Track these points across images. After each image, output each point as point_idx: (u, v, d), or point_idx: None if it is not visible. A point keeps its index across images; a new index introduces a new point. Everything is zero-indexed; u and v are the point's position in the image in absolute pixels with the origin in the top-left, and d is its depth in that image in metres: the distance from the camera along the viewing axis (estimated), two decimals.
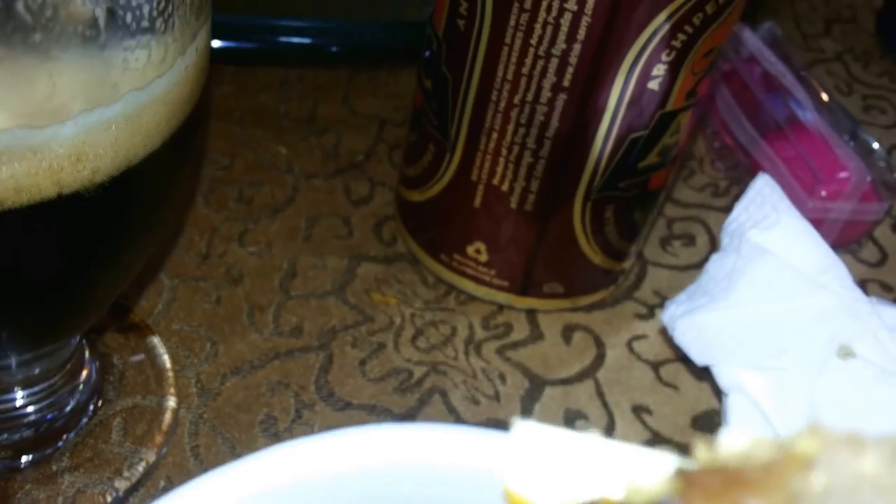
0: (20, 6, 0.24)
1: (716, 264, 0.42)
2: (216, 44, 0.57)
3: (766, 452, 0.14)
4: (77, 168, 0.28)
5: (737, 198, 0.55)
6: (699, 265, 0.51)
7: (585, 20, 0.36)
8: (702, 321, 0.39)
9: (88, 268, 0.33)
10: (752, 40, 0.57)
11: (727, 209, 0.54)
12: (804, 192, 0.49)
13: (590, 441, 0.21)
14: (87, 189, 0.28)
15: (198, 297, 0.47)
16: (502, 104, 0.40)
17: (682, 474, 0.14)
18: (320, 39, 0.60)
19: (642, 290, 0.50)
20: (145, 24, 0.27)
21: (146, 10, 0.27)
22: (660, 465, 0.16)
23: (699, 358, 0.39)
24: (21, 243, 0.30)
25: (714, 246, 0.52)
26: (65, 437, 0.40)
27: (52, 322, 0.35)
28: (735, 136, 0.54)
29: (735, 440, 0.14)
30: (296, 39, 0.60)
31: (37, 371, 0.39)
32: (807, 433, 0.14)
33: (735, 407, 0.38)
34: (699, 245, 0.53)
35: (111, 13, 0.26)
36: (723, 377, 0.38)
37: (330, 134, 0.57)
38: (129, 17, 0.27)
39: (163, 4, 0.28)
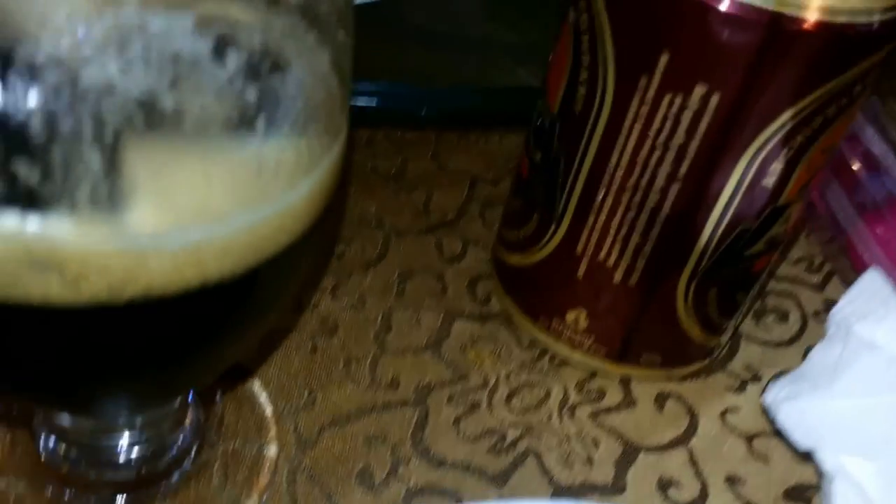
0: (186, 118, 0.25)
1: (821, 353, 0.42)
2: None
3: None
4: (222, 263, 0.27)
5: (830, 275, 0.55)
6: (790, 342, 0.51)
7: (706, 119, 0.37)
8: (806, 406, 0.39)
9: (203, 353, 0.33)
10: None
11: (820, 286, 0.54)
12: None
13: None
14: (225, 280, 0.28)
15: (294, 345, 0.47)
16: (614, 186, 0.40)
17: None
18: (409, 103, 0.61)
19: (734, 362, 0.50)
20: (297, 123, 0.28)
21: (297, 109, 0.27)
22: None
23: (802, 441, 0.39)
24: (151, 330, 0.29)
25: (805, 324, 0.52)
26: (165, 480, 0.41)
27: (159, 393, 0.36)
28: (832, 211, 0.54)
29: None
30: (384, 103, 0.60)
31: (143, 419, 0.40)
32: None
33: (840, 493, 0.37)
34: (791, 321, 0.53)
35: (264, 115, 0.26)
36: (827, 462, 0.38)
37: (419, 191, 0.58)
38: (280, 118, 0.27)
39: (315, 100, 0.28)
